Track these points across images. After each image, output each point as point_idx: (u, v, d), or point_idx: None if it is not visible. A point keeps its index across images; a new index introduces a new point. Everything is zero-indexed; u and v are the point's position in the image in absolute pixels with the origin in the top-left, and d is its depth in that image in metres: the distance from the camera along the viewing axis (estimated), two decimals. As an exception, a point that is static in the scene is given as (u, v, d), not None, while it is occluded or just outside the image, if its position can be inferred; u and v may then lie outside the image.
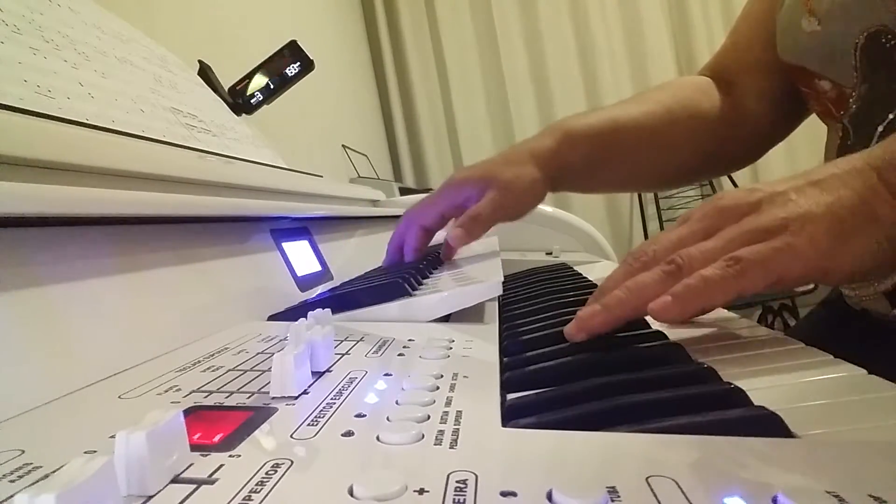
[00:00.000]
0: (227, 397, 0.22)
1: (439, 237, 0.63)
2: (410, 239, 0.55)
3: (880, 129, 0.40)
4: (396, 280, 0.39)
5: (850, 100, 0.44)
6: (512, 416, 0.20)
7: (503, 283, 0.38)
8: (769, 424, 0.19)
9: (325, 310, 0.32)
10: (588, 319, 0.30)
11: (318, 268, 0.54)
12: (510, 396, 0.23)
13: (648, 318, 0.33)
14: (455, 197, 0.53)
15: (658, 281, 0.29)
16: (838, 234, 0.28)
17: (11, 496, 0.13)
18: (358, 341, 0.30)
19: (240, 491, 0.14)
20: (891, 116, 0.40)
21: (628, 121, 0.56)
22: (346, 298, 0.39)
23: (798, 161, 2.37)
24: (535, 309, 0.41)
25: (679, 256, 0.30)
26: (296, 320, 0.27)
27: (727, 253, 0.28)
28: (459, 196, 0.53)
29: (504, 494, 0.14)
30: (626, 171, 0.60)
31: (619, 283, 0.31)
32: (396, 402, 0.21)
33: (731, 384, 0.22)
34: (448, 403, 0.21)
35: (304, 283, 0.49)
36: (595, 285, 0.49)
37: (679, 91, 0.60)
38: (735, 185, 2.38)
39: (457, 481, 0.15)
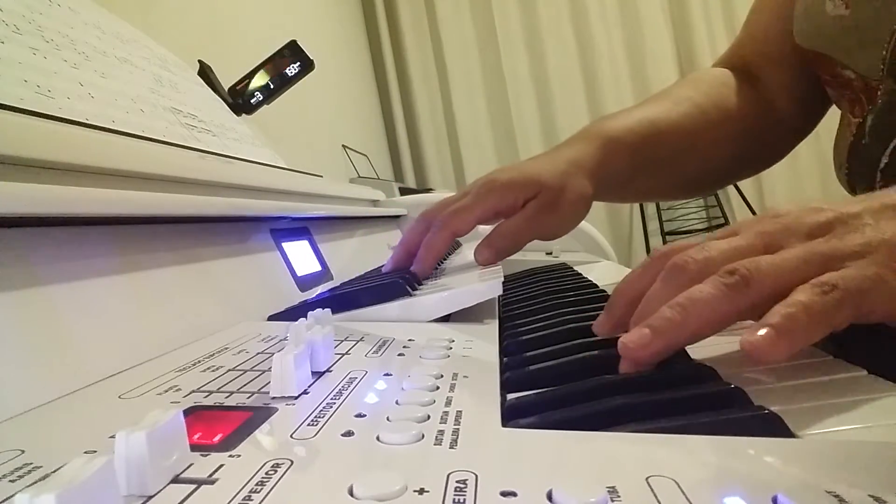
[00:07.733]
0: (227, 397, 0.22)
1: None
2: (440, 246, 0.45)
3: None
4: (396, 280, 0.39)
5: (879, 92, 0.39)
6: (512, 416, 0.20)
7: (503, 283, 0.38)
8: (769, 424, 0.18)
9: (325, 310, 0.32)
10: (637, 350, 0.23)
11: (318, 268, 0.54)
12: (510, 396, 0.23)
13: None
14: (498, 202, 0.45)
15: (719, 297, 0.23)
16: None
17: (11, 496, 0.13)
18: (358, 341, 0.30)
19: (240, 491, 0.14)
20: None
21: (667, 124, 0.51)
22: (346, 298, 0.39)
23: (800, 164, 2.37)
24: (535, 309, 0.41)
25: (744, 267, 0.24)
26: (296, 320, 0.27)
27: (802, 274, 0.23)
28: (502, 202, 0.45)
29: (504, 494, 0.14)
30: (664, 179, 0.55)
31: (664, 300, 0.25)
32: (396, 402, 0.21)
33: (731, 384, 0.22)
34: (448, 403, 0.21)
35: (304, 283, 0.49)
36: (595, 285, 0.49)
37: (708, 88, 0.55)
38: (741, 194, 2.37)
39: (457, 481, 0.15)
